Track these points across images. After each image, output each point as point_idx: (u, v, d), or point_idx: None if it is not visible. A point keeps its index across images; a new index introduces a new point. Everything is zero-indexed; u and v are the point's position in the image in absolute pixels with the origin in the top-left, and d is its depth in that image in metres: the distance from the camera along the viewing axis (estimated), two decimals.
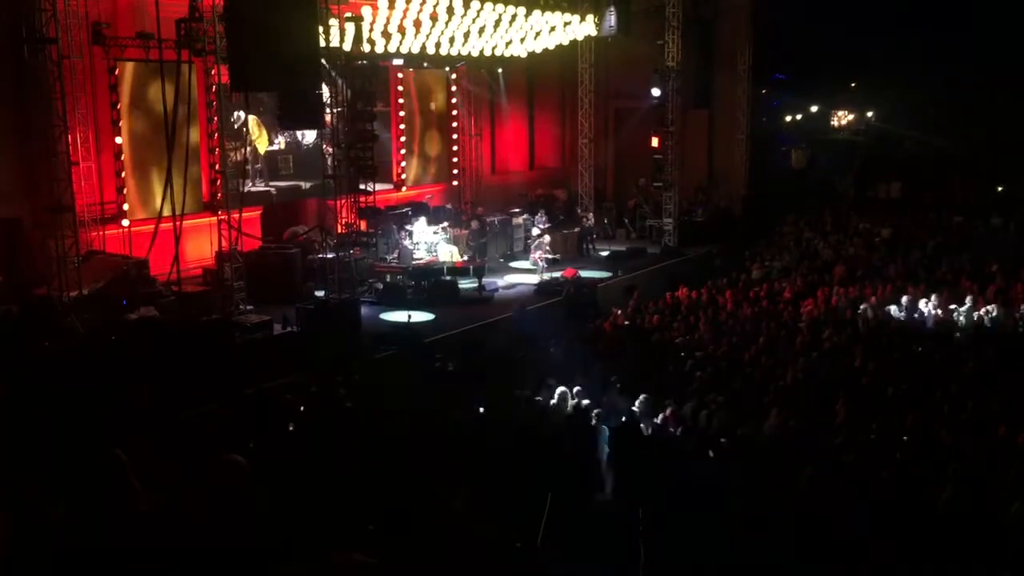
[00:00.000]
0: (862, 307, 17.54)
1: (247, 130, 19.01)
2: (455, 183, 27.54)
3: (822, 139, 39.48)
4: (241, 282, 16.27)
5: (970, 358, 14.19)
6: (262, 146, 21.16)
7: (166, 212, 16.70)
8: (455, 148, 27.52)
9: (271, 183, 21.72)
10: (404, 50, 21.67)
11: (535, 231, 23.19)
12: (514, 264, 22.95)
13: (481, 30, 22.20)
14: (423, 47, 21.91)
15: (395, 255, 20.01)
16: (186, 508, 4.09)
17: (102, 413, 9.86)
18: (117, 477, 4.05)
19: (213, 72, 16.54)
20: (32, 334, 13.88)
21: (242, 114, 18.37)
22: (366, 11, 19.61)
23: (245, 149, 18.31)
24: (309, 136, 21.93)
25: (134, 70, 18.49)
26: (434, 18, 20.89)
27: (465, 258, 20.80)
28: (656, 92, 24.87)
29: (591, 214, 26.09)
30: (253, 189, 20.67)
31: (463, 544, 5.89)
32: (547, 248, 21.85)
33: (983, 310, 16.65)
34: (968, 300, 17.13)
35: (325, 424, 10.53)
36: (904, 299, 17.61)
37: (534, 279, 21.08)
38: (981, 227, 26.32)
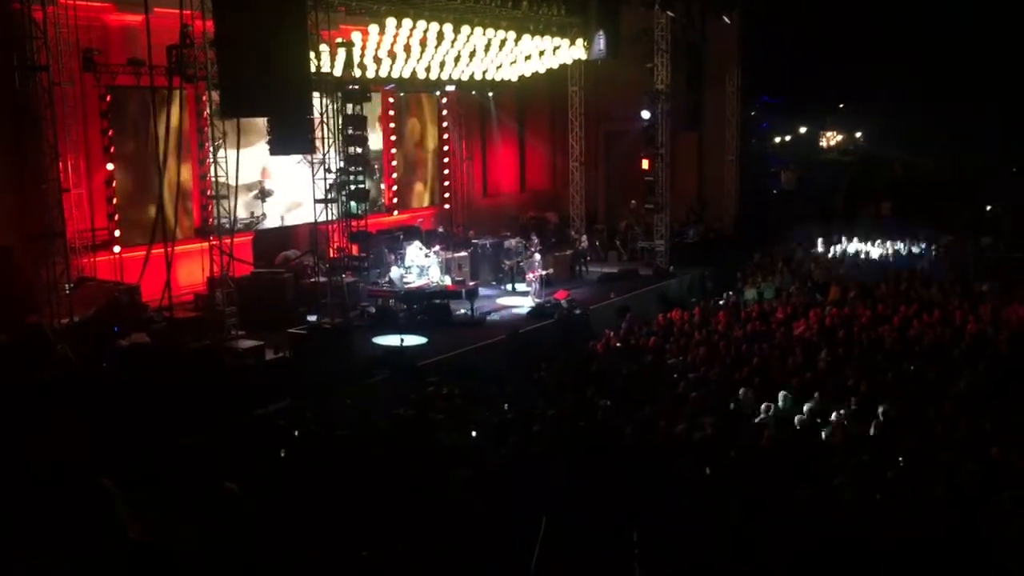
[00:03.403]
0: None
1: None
2: (446, 206, 27.63)
3: (811, 160, 39.64)
4: (233, 307, 16.23)
5: (963, 377, 14.20)
6: None
7: (157, 238, 16.72)
8: (446, 171, 27.63)
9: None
10: (395, 75, 21.79)
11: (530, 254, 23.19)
12: (506, 287, 22.92)
13: (471, 55, 22.33)
14: (414, 72, 22.04)
15: (387, 279, 20.00)
16: (178, 537, 4.06)
17: (91, 442, 9.81)
18: (105, 508, 4.02)
19: (204, 98, 16.60)
20: (23, 362, 13.82)
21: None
22: (356, 36, 19.73)
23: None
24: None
25: (125, 96, 18.53)
26: (424, 43, 21.01)
27: (457, 281, 20.80)
28: (646, 115, 24.97)
29: (584, 236, 26.16)
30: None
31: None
32: (538, 266, 21.86)
33: None
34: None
35: (318, 450, 10.48)
36: None
37: (526, 302, 21.06)
38: (971, 247, 26.41)
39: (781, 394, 13.02)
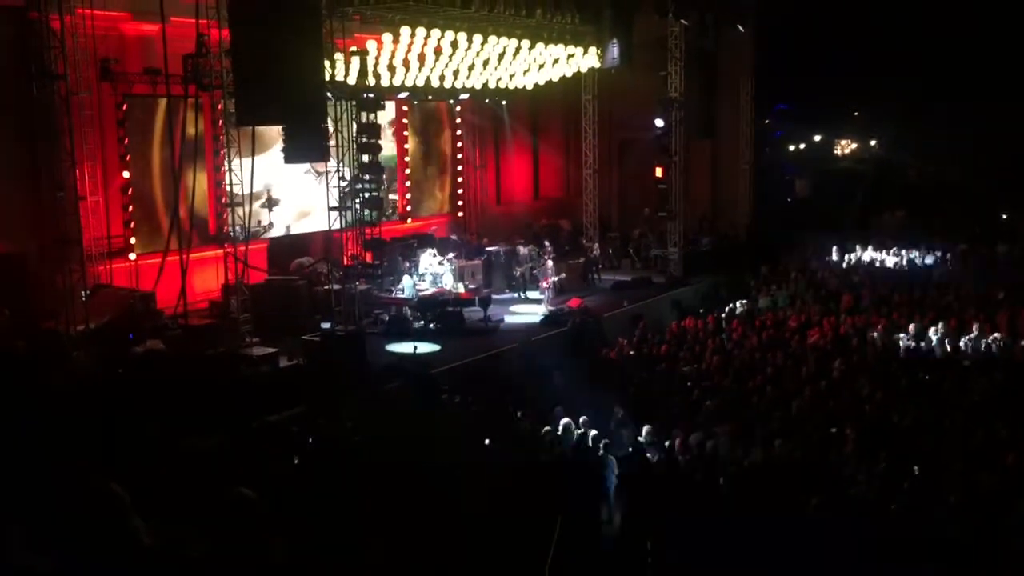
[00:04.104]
0: (871, 335, 17.55)
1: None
2: (460, 214, 27.67)
3: (825, 168, 39.54)
4: (247, 314, 16.29)
5: (977, 386, 14.13)
6: None
7: (173, 245, 16.80)
8: (460, 179, 27.69)
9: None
10: (409, 83, 21.84)
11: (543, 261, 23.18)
12: (519, 294, 22.90)
13: (485, 63, 22.37)
14: (428, 80, 22.08)
15: (400, 286, 20.04)
16: (191, 543, 4.08)
17: (105, 448, 9.85)
18: (115, 513, 4.03)
19: (220, 106, 16.69)
20: (39, 368, 13.89)
21: None
22: (371, 45, 19.80)
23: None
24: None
25: (142, 105, 18.65)
26: (438, 52, 21.06)
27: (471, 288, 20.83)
28: (660, 123, 24.96)
29: (597, 244, 26.14)
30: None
31: None
32: (551, 273, 21.85)
33: (991, 338, 16.63)
34: (975, 329, 17.13)
35: (332, 457, 10.50)
36: (911, 327, 17.56)
37: (539, 309, 21.06)
38: (986, 254, 26.27)
39: None
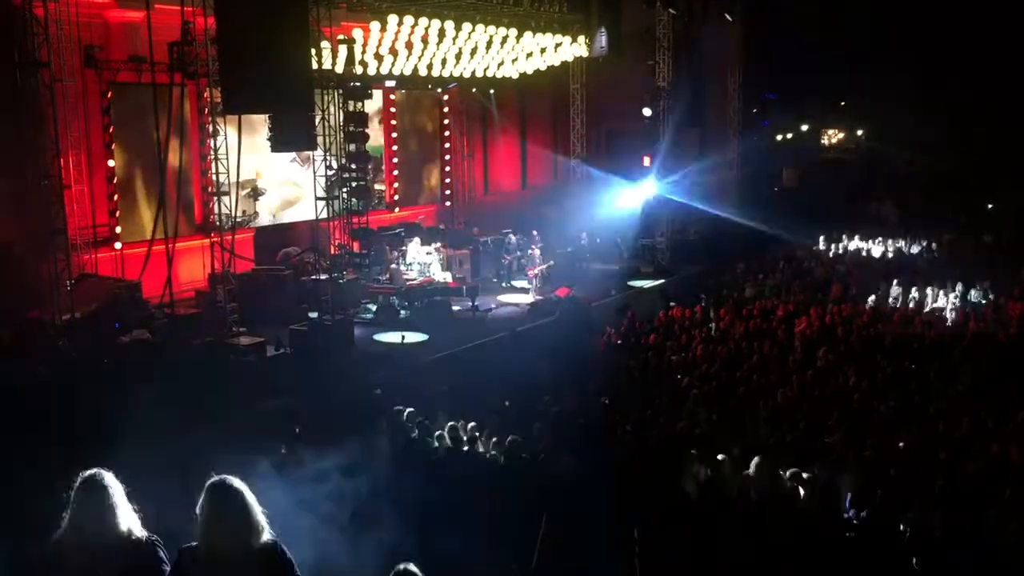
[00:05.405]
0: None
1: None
2: (447, 203, 27.62)
3: (813, 158, 39.62)
4: (234, 304, 16.23)
5: (963, 374, 14.17)
6: None
7: (159, 234, 16.72)
8: (447, 169, 27.63)
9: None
10: (396, 72, 21.78)
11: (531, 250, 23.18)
12: (506, 283, 22.91)
13: (473, 52, 22.32)
14: (415, 69, 22.02)
15: (387, 276, 20.00)
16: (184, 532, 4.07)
17: (95, 438, 9.80)
18: (106, 500, 4.02)
19: (205, 95, 16.60)
20: (25, 358, 13.82)
21: None
22: (358, 33, 19.72)
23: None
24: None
25: (126, 93, 18.52)
26: (426, 40, 21.00)
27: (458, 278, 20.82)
28: (647, 112, 24.97)
29: (584, 233, 26.12)
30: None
31: None
32: (539, 262, 21.83)
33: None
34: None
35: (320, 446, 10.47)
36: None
37: (527, 298, 21.06)
38: (972, 244, 26.37)
39: None
